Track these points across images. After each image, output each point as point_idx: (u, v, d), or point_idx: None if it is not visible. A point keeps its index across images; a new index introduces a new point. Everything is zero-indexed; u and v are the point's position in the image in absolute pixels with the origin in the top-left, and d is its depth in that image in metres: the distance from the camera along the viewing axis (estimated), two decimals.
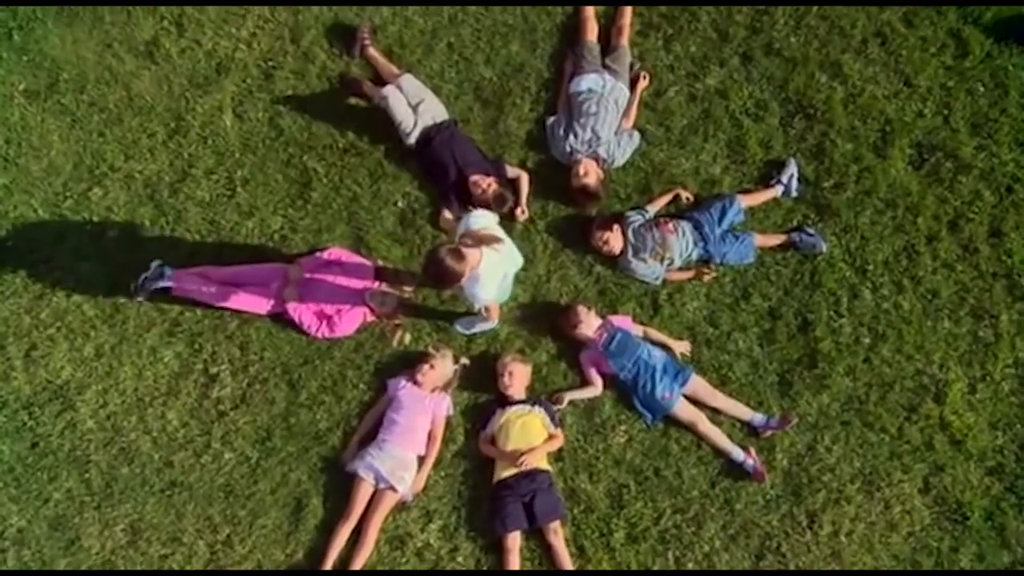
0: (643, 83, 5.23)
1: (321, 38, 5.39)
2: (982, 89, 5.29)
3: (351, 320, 4.75)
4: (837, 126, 5.21)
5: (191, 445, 4.66)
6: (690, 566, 4.47)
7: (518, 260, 4.33)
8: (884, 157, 5.17)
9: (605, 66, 5.24)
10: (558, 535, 4.38)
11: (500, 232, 4.10)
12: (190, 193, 5.05)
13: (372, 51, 5.32)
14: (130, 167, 5.11)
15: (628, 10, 5.37)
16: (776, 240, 4.95)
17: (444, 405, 4.60)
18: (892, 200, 5.08)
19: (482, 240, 3.93)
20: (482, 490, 4.56)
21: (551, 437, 4.55)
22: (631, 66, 5.28)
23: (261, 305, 4.74)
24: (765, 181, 5.12)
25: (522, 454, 4.38)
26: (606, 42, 5.37)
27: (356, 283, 4.78)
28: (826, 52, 5.37)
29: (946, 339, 4.85)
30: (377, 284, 4.77)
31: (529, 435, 4.48)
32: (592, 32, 5.35)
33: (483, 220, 4.08)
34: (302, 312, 4.70)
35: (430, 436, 4.58)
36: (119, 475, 4.63)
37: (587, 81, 5.15)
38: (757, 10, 5.41)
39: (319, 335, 4.75)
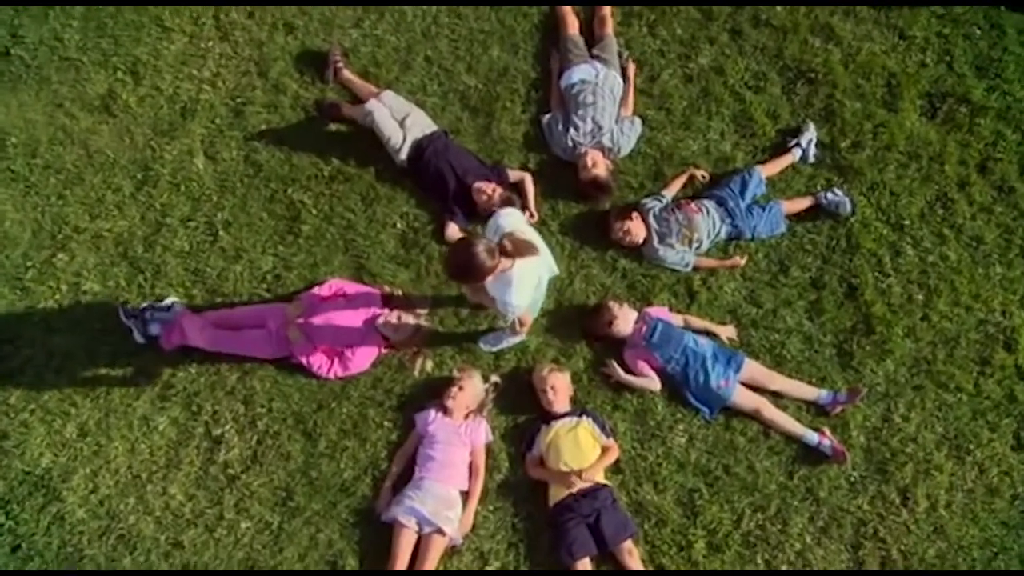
0: (633, 68, 5.11)
1: (290, 68, 5.24)
2: (979, 32, 5.34)
3: (365, 354, 4.43)
4: (841, 87, 5.16)
5: (201, 520, 4.23)
6: (784, 568, 4.07)
7: (552, 265, 4.11)
8: (896, 111, 5.13)
9: (594, 56, 5.14)
10: (633, 555, 4.01)
11: (533, 233, 3.88)
12: (167, 244, 4.76)
13: (347, 73, 5.17)
14: (97, 226, 4.81)
15: None
16: (803, 204, 4.83)
17: (482, 431, 4.26)
18: (914, 152, 5.00)
19: (520, 249, 3.68)
20: (539, 519, 4.22)
21: (605, 449, 4.20)
22: (620, 55, 5.16)
23: (262, 349, 4.42)
24: (780, 150, 4.95)
25: (578, 473, 4.00)
26: (590, 34, 5.31)
27: (364, 314, 4.50)
28: (814, 16, 5.39)
29: (1001, 284, 4.71)
30: (387, 311, 4.43)
31: (582, 449, 4.15)
32: (573, 26, 5.30)
33: (512, 218, 3.93)
34: (309, 352, 4.37)
35: (471, 469, 4.23)
36: (121, 567, 4.13)
37: (579, 72, 5.04)
38: None
39: (331, 375, 4.41)
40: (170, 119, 5.12)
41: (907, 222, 4.90)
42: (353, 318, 4.51)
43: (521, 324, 4.19)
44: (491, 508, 4.28)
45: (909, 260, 4.81)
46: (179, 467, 4.37)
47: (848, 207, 4.84)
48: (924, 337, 4.63)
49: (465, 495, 4.23)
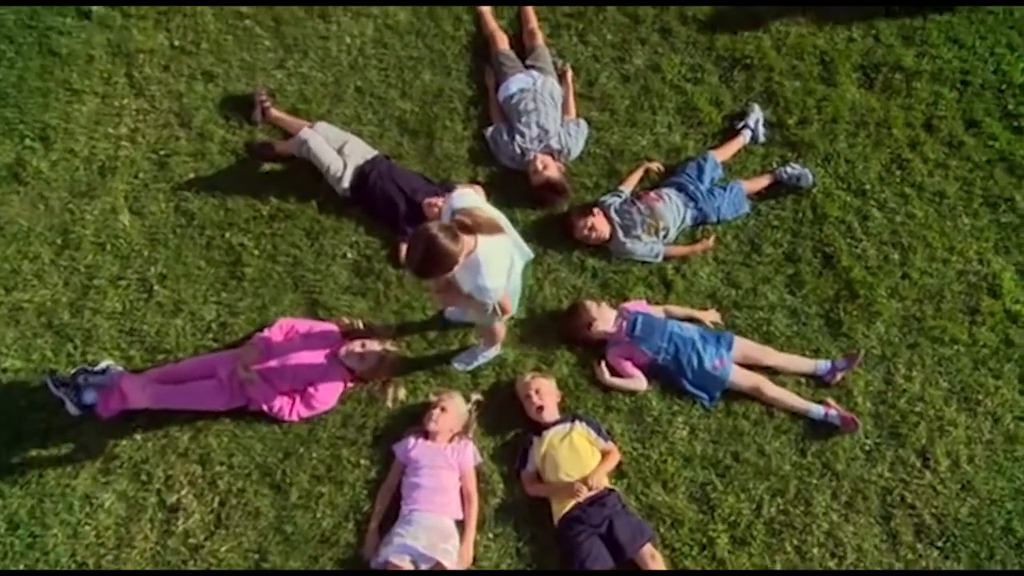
0: (570, 73, 5.13)
1: (214, 115, 5.13)
2: (897, 8, 5.50)
3: (330, 390, 4.15)
4: (778, 69, 5.32)
5: None
6: (815, 551, 3.87)
7: (523, 247, 3.87)
8: (835, 85, 5.29)
9: (528, 66, 5.14)
10: (656, 559, 3.76)
11: (495, 211, 3.63)
12: (97, 307, 4.47)
13: (275, 112, 5.08)
14: (14, 299, 4.51)
15: (530, 12, 5.40)
16: (763, 182, 4.87)
17: (469, 453, 3.99)
18: (860, 120, 5.14)
19: (480, 224, 3.44)
20: (545, 539, 3.96)
21: (604, 453, 3.95)
22: (554, 63, 5.19)
23: (215, 401, 4.12)
24: (730, 134, 4.99)
25: (583, 480, 3.74)
26: (521, 49, 5.32)
27: (324, 348, 4.22)
28: (739, 8, 5.48)
29: (971, 233, 4.78)
30: (349, 342, 4.16)
31: (580, 456, 3.92)
32: (504, 42, 5.35)
33: (468, 198, 3.62)
34: (268, 397, 4.06)
35: (463, 495, 3.92)
36: None
37: (516, 83, 5.05)
38: None
39: (295, 418, 4.12)
40: (88, 180, 4.90)
41: (868, 187, 4.95)
42: (312, 354, 4.25)
43: (503, 311, 3.78)
44: (491, 535, 3.97)
45: (878, 222, 4.83)
46: (132, 545, 3.94)
47: (809, 178, 4.87)
48: (909, 295, 4.60)
49: (460, 524, 3.89)
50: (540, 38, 5.41)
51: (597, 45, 5.50)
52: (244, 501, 4.03)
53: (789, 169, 4.92)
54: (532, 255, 3.97)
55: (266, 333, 4.32)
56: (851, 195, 4.94)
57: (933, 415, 4.28)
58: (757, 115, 5.12)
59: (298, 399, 4.19)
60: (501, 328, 4.16)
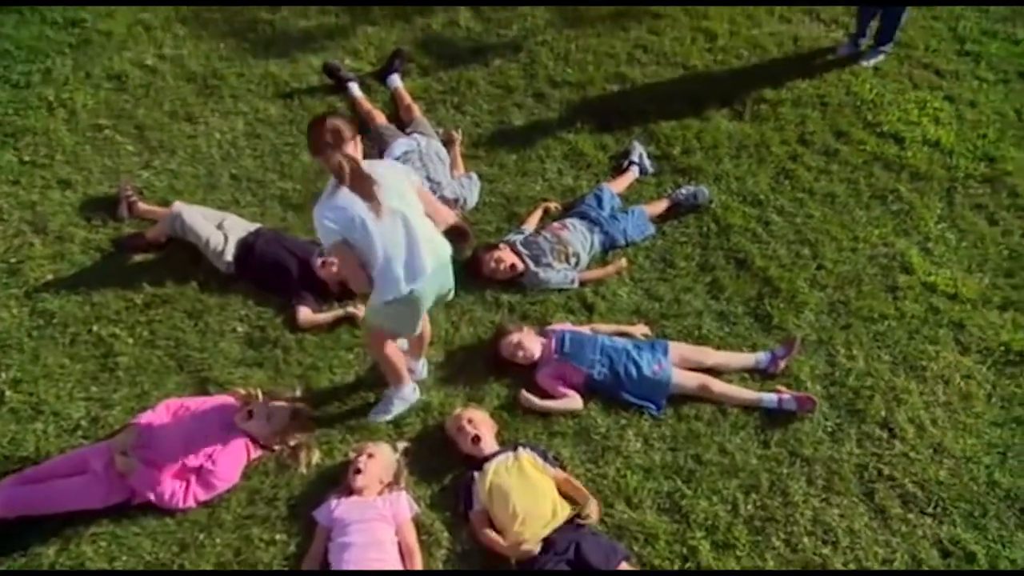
0: (457, 136, 5.22)
1: (73, 218, 4.89)
2: (745, 54, 6.01)
3: (231, 464, 3.69)
4: (650, 112, 5.61)
5: None
6: (805, 541, 3.56)
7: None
8: (707, 119, 5.57)
9: (409, 133, 5.19)
10: None
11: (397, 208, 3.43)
12: None
13: (143, 206, 4.91)
14: None
15: (403, 91, 5.59)
16: (662, 206, 4.99)
17: (404, 502, 3.57)
18: (740, 144, 5.46)
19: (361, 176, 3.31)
20: None
21: (558, 481, 3.59)
22: (436, 132, 5.29)
23: (90, 498, 3.55)
24: (619, 171, 5.14)
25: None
26: (399, 123, 5.39)
27: (219, 418, 3.77)
28: (603, 70, 5.94)
29: (869, 223, 4.99)
30: (247, 409, 3.74)
31: (532, 482, 3.62)
32: (381, 118, 5.47)
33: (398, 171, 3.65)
34: (154, 483, 3.51)
35: (403, 551, 3.43)
36: None
37: (400, 146, 5.11)
38: (526, 61, 6.06)
39: (190, 503, 3.60)
40: None
41: (762, 197, 5.12)
42: (206, 426, 3.76)
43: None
44: None
45: (780, 226, 4.96)
46: None
47: (705, 193, 5.00)
48: (828, 283, 4.65)
49: None
50: (417, 111, 5.52)
51: (475, 113, 5.67)
52: None
53: (684, 190, 5.05)
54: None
55: (149, 414, 3.81)
56: (748, 206, 5.08)
57: (884, 386, 4.17)
58: (639, 150, 5.32)
59: (193, 480, 3.64)
60: (395, 347, 3.84)
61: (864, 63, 6.05)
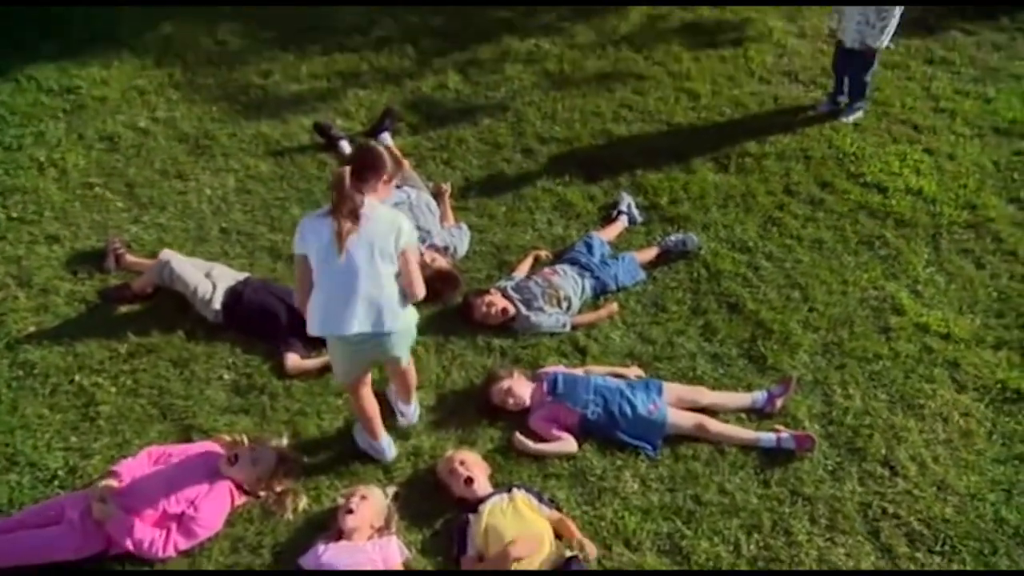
0: (446, 188, 5.29)
1: (59, 272, 4.88)
2: (727, 111, 6.17)
3: (214, 511, 3.56)
4: (636, 165, 5.70)
5: None
6: None
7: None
8: (693, 172, 5.63)
9: (398, 186, 5.24)
10: None
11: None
12: None
13: (130, 257, 4.90)
14: None
15: (392, 148, 5.58)
16: (651, 253, 5.01)
17: (394, 547, 3.45)
18: (726, 195, 5.51)
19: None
20: None
21: (554, 523, 3.49)
22: (426, 185, 5.35)
23: (63, 548, 3.43)
24: (608, 221, 5.19)
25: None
26: None
27: (203, 463, 3.65)
28: (590, 127, 6.06)
29: (858, 268, 5.02)
30: (232, 453, 3.65)
31: (528, 522, 3.51)
32: None
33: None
34: (131, 530, 3.37)
35: None
36: None
37: (390, 199, 5.05)
38: (514, 120, 6.22)
39: (170, 552, 3.46)
40: None
41: (751, 243, 5.16)
42: (188, 472, 3.64)
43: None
44: None
45: (770, 271, 4.98)
46: None
47: (694, 240, 5.04)
48: (821, 325, 4.64)
49: None
50: (407, 165, 5.57)
51: (464, 168, 5.76)
52: None
53: (673, 237, 5.09)
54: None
55: (129, 460, 3.69)
56: (738, 252, 5.11)
57: (883, 425, 4.11)
58: (628, 200, 5.38)
59: (174, 528, 3.49)
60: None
61: (843, 119, 6.21)
